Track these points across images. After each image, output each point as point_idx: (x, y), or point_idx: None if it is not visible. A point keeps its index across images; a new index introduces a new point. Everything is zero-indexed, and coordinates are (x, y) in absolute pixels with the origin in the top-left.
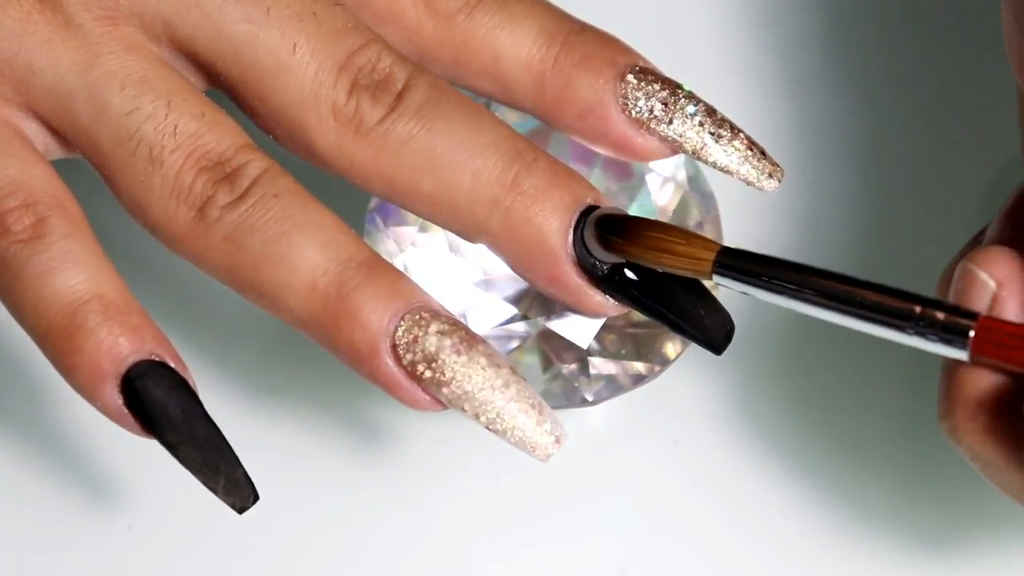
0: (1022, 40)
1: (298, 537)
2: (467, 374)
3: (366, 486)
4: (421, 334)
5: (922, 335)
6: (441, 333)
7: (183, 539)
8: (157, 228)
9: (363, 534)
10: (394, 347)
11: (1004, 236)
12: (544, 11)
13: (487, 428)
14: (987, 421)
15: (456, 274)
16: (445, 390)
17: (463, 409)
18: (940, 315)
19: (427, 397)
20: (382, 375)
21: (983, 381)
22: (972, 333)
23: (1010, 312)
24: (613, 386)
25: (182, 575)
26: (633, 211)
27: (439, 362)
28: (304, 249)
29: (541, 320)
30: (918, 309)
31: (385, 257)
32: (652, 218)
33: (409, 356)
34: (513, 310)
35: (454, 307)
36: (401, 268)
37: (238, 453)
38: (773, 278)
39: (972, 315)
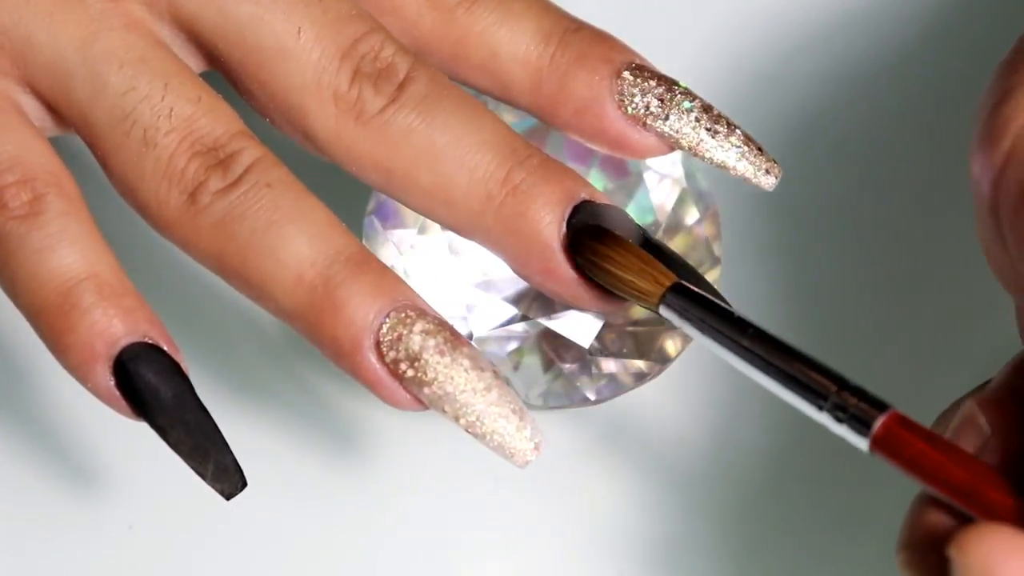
0: (1001, 253)
1: (297, 535)
2: (449, 375)
3: (365, 482)
4: (405, 332)
5: (834, 417)
6: (425, 332)
7: (183, 539)
8: (148, 210)
9: (362, 530)
10: (378, 344)
11: (1011, 383)
12: (542, 9)
13: (466, 431)
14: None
15: (456, 275)
16: (427, 390)
17: (443, 410)
18: (853, 400)
19: (408, 396)
20: (364, 371)
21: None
22: (876, 426)
23: (992, 458)
24: (615, 385)
25: (182, 574)
26: (630, 210)
27: (422, 361)
28: (292, 241)
29: (541, 320)
30: (835, 389)
31: (384, 260)
32: (619, 235)
33: (392, 354)
34: (513, 310)
35: (454, 308)
36: (401, 271)
37: (231, 442)
38: (709, 325)
39: (883, 407)
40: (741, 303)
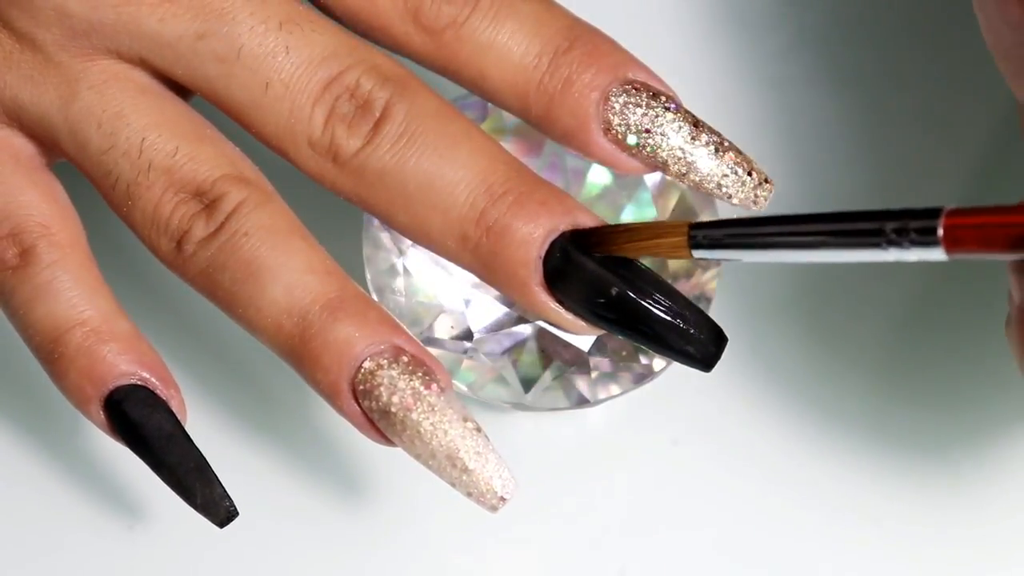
0: (1017, 37)
1: (299, 537)
2: (416, 428)
3: (364, 486)
4: (376, 383)
5: (899, 246)
6: (393, 386)
7: (183, 539)
8: (148, 248)
9: (360, 532)
10: (354, 391)
11: None
12: (533, 27)
13: (438, 476)
14: None
15: (454, 274)
16: (396, 439)
17: (415, 456)
18: (910, 223)
19: (386, 439)
20: (346, 415)
21: None
22: (940, 231)
23: None
24: (613, 386)
25: (182, 575)
26: (630, 209)
27: (391, 414)
28: (269, 291)
29: (540, 320)
30: (889, 225)
31: (383, 259)
32: (615, 223)
33: (366, 403)
34: (511, 310)
35: (453, 307)
36: (400, 271)
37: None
38: (749, 236)
39: (936, 213)
40: (741, 301)
